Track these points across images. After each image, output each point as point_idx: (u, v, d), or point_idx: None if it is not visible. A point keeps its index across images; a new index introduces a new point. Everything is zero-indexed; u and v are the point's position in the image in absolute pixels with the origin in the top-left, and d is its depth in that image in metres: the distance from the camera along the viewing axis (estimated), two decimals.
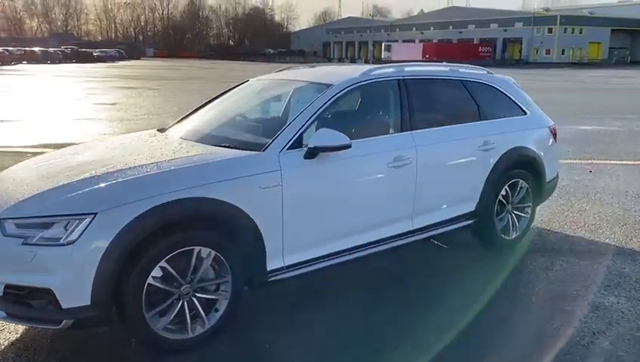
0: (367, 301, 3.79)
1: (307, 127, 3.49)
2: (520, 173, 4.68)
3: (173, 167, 3.12)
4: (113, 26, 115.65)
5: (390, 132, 4.01)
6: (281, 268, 3.39)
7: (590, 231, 5.22)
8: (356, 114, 4.30)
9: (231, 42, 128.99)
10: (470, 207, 4.40)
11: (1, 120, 12.55)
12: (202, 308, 3.08)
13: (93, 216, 2.72)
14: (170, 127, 4.30)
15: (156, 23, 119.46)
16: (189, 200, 2.94)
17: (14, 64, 46.88)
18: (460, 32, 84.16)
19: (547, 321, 3.47)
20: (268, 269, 3.32)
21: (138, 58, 79.26)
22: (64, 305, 2.70)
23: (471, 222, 4.42)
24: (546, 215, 5.66)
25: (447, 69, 4.63)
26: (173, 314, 2.98)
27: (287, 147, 3.38)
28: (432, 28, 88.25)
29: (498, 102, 4.75)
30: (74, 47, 65.16)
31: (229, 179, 3.10)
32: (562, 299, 3.79)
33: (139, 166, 3.13)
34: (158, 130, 4.22)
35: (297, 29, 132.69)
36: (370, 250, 3.83)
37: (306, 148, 3.37)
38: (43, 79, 29.80)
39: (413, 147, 3.91)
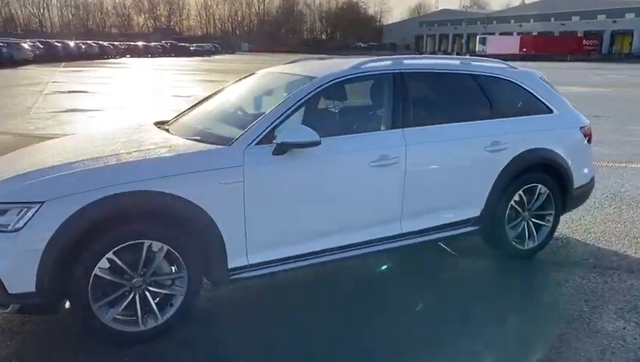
0: (335, 306, 3.62)
1: (279, 122, 3.35)
2: (539, 178, 4.26)
3: (129, 160, 3.13)
4: (212, 21, 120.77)
5: (379, 129, 3.78)
6: (245, 267, 3.30)
7: (629, 246, 4.66)
8: (342, 109, 4.08)
9: (323, 36, 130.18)
10: (474, 212, 4.06)
11: (86, 109, 13.43)
12: (156, 302, 3.08)
13: (40, 204, 2.77)
14: (172, 120, 4.33)
15: (252, 18, 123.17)
16: (138, 193, 2.92)
17: (118, 57, 50.19)
18: (563, 24, 79.11)
19: (526, 346, 3.13)
20: (230, 267, 3.24)
21: (232, 52, 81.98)
22: (10, 290, 2.78)
23: (475, 228, 4.09)
24: (586, 224, 5.14)
25: (458, 62, 4.28)
26: (123, 306, 2.99)
27: (255, 142, 3.27)
28: (531, 20, 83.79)
29: (517, 99, 4.35)
30: (173, 41, 68.68)
31: (183, 173, 3.05)
32: (558, 320, 3.39)
33: (100, 158, 3.16)
34: (157, 123, 4.25)
35: (390, 22, 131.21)
36: (352, 252, 3.64)
37: (274, 144, 3.25)
38: (136, 72, 31.61)
39: (403, 145, 3.66)
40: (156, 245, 3.00)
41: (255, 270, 3.34)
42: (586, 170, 4.61)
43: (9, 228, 2.76)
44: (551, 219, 4.39)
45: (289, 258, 3.43)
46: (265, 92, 4.34)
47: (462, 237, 4.10)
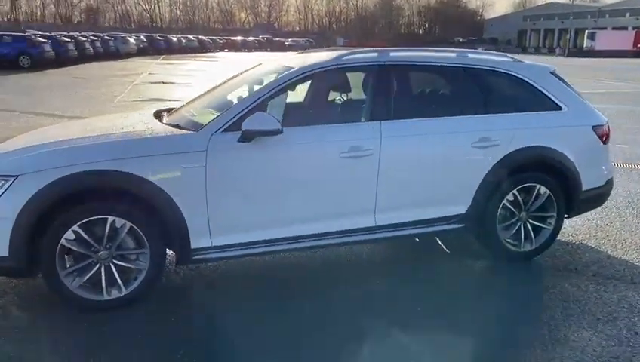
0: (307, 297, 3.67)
1: (248, 111, 3.46)
2: (537, 177, 4.04)
3: (100, 141, 3.39)
4: (310, 16, 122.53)
5: (356, 120, 3.78)
6: (209, 248, 3.45)
7: (625, 253, 4.31)
8: (318, 99, 4.10)
9: (421, 31, 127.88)
10: (459, 209, 3.93)
11: (166, 99, 14.29)
12: (120, 274, 3.31)
13: (15, 178, 3.10)
14: (177, 108, 4.57)
15: (350, 13, 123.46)
16: (102, 172, 3.17)
17: (216, 51, 52.51)
18: None
19: (474, 344, 3.02)
20: (193, 247, 3.41)
21: (327, 47, 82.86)
22: None
23: (460, 226, 3.96)
24: (609, 230, 4.79)
25: (454, 55, 4.14)
26: (88, 276, 3.25)
27: (222, 129, 3.41)
28: None
29: (519, 94, 4.14)
30: (269, 36, 70.61)
31: (145, 156, 3.25)
32: (523, 324, 3.24)
33: (78, 139, 3.46)
34: (161, 110, 4.48)
35: (492, 16, 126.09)
36: (322, 241, 3.69)
37: (239, 132, 3.37)
38: (226, 65, 32.87)
39: (378, 138, 3.63)
40: (119, 221, 3.23)
41: (219, 252, 3.49)
42: (598, 172, 4.30)
43: None
44: (552, 221, 4.15)
45: (255, 243, 3.54)
46: (258, 82, 4.45)
47: (446, 235, 4.01)
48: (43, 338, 3.04)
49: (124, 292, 3.33)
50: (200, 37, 53.33)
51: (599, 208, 5.25)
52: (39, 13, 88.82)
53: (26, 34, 26.80)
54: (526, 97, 4.13)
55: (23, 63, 23.75)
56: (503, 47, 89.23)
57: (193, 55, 42.60)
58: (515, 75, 4.12)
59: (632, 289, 3.70)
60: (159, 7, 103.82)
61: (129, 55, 36.17)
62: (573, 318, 3.30)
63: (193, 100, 4.46)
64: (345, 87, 4.05)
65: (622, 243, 4.55)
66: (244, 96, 3.77)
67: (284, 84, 3.62)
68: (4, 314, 3.28)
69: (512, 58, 4.31)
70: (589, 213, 5.17)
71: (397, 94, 3.83)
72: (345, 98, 4.08)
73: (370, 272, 4.02)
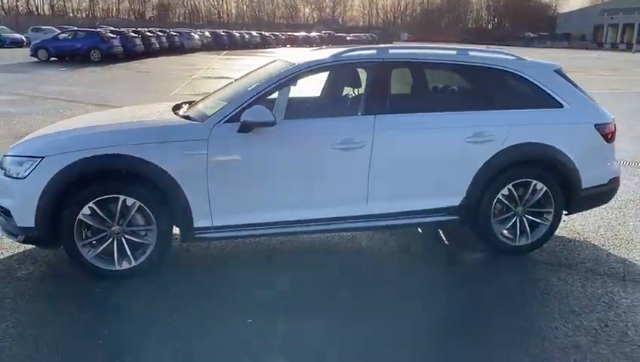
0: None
1: (249, 104, 3.76)
2: (533, 173, 4.12)
3: (116, 129, 3.81)
4: (375, 11, 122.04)
5: (352, 114, 4.00)
6: (209, 228, 3.80)
7: (628, 252, 4.30)
8: (318, 94, 4.33)
9: (490, 26, 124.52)
10: (452, 201, 4.08)
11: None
12: (130, 248, 3.72)
13: (41, 158, 3.56)
14: (197, 101, 4.94)
15: (415, 8, 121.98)
16: (115, 156, 3.57)
17: (276, 47, 53.41)
18: None
19: (440, 327, 3.20)
20: (195, 226, 3.77)
21: (390, 42, 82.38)
22: (18, 223, 3.62)
23: (453, 218, 4.11)
24: (618, 229, 4.78)
25: (454, 52, 4.27)
26: (102, 248, 3.68)
27: (224, 120, 3.74)
28: None
29: (519, 91, 4.22)
30: (331, 32, 70.95)
31: (154, 142, 3.63)
32: (492, 310, 3.38)
33: (99, 126, 3.89)
34: (186, 103, 4.86)
35: (566, 10, 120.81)
36: (317, 226, 3.96)
37: (239, 123, 3.69)
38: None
39: (371, 131, 3.85)
40: (130, 200, 3.63)
41: (220, 232, 3.83)
42: (600, 170, 4.32)
43: (19, 175, 3.59)
44: (549, 217, 4.22)
45: (253, 225, 3.86)
46: (267, 77, 4.72)
47: (438, 226, 4.16)
48: (63, 299, 3.48)
49: (133, 263, 3.73)
50: (263, 33, 54.40)
51: (617, 207, 5.24)
52: (114, 9, 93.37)
53: (98, 30, 28.45)
54: (526, 95, 4.21)
55: (93, 57, 25.29)
56: (577, 44, 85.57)
57: (254, 51, 43.53)
58: (516, 72, 4.21)
59: (619, 286, 3.74)
60: (226, 3, 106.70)
61: (193, 50, 37.50)
62: (548, 309, 3.41)
63: (211, 94, 4.82)
64: (343, 83, 4.28)
65: (629, 243, 4.54)
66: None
67: (282, 80, 3.90)
68: (33, 279, 3.76)
69: (515, 56, 4.38)
70: (604, 211, 5.18)
71: (393, 90, 4.02)
72: (343, 93, 4.31)
73: (367, 258, 4.24)
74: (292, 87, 4.03)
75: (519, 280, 3.88)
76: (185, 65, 25.17)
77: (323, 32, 69.78)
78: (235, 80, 4.94)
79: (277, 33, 58.46)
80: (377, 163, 3.87)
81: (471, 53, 4.30)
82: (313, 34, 66.08)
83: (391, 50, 4.16)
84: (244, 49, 45.22)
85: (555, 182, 4.15)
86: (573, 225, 4.90)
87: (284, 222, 3.89)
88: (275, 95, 3.99)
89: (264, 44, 51.47)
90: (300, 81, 4.03)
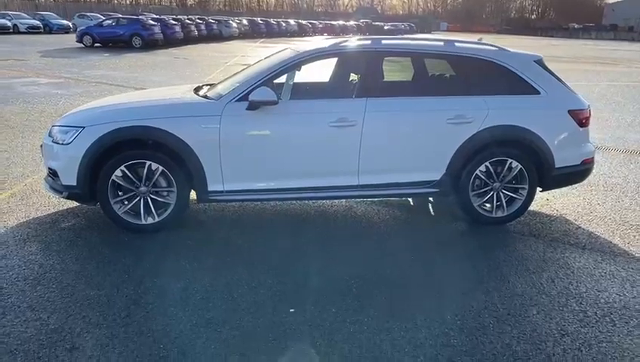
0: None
1: (257, 85, 4.38)
2: (508, 152, 4.61)
3: (144, 105, 4.50)
4: (414, 0, 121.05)
5: (346, 97, 4.58)
6: (221, 191, 4.45)
7: (611, 231, 4.74)
8: (319, 78, 4.90)
9: (533, 16, 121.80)
10: (433, 176, 4.62)
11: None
12: (154, 206, 4.41)
13: (82, 128, 4.27)
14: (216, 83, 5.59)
15: None
16: (143, 127, 4.25)
17: (313, 36, 53.90)
18: None
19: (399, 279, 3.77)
20: (209, 190, 4.43)
21: (429, 32, 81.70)
22: (63, 182, 4.35)
23: (434, 191, 4.65)
24: (594, 207, 5.23)
25: (441, 43, 4.79)
26: (131, 205, 4.38)
27: (235, 99, 4.38)
28: None
29: (499, 79, 4.69)
30: (369, 20, 70.95)
31: (175, 117, 4.30)
32: (449, 265, 3.94)
33: (130, 102, 4.59)
34: (207, 85, 5.53)
35: (614, 0, 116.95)
36: (315, 193, 4.58)
37: (247, 102, 4.32)
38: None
39: (362, 112, 4.41)
40: (154, 166, 4.31)
41: (230, 195, 4.48)
42: (573, 152, 4.76)
43: (65, 142, 4.31)
44: (524, 193, 4.71)
45: (258, 190, 4.49)
46: (278, 62, 5.34)
47: (421, 196, 4.69)
48: (98, 244, 4.19)
49: (156, 219, 4.42)
50: (300, 21, 55.02)
51: (602, 189, 5.69)
52: None
53: (140, 17, 29.57)
54: (506, 82, 4.69)
55: (135, 44, 26.42)
56: (623, 35, 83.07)
57: (290, 39, 44.20)
58: (497, 62, 4.69)
59: (576, 253, 4.23)
60: None
61: (231, 38, 38.45)
62: (505, 269, 3.93)
63: (228, 77, 5.45)
64: (341, 69, 4.84)
65: (601, 220, 4.98)
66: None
67: (288, 65, 4.51)
68: (74, 229, 4.50)
69: (497, 47, 4.85)
70: (588, 192, 5.63)
71: (384, 76, 4.57)
72: (341, 77, 4.88)
73: (363, 226, 4.84)
74: (307, 71, 4.62)
75: (488, 245, 4.39)
76: (221, 53, 26.02)
77: (361, 20, 69.81)
78: (250, 65, 5.56)
79: (314, 22, 58.97)
80: (367, 139, 4.44)
81: (457, 44, 4.80)
82: (350, 23, 66.19)
83: (384, 41, 4.71)
84: (281, 37, 45.93)
85: (529, 161, 4.63)
86: (554, 204, 5.37)
87: (285, 188, 4.51)
88: (283, 78, 4.60)
89: (301, 32, 52.04)
90: (307, 67, 4.62)
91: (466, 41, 4.91)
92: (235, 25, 40.43)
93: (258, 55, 25.10)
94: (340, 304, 3.37)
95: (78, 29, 29.40)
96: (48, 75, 14.97)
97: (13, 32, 34.91)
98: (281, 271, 3.81)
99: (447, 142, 4.56)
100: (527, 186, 4.70)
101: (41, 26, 37.48)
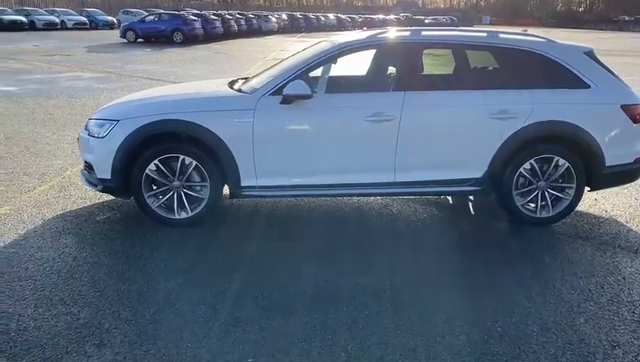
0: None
1: (292, 79, 4.27)
2: (554, 149, 4.37)
3: (178, 99, 4.45)
4: None
5: (384, 90, 4.42)
6: (254, 187, 4.37)
7: None
8: (355, 71, 4.74)
9: (581, 8, 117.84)
10: (475, 173, 4.41)
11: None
12: (187, 200, 4.37)
13: (116, 122, 4.26)
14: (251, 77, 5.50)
15: None
16: (176, 121, 4.20)
17: (349, 30, 53.56)
18: None
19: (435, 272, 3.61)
20: (242, 185, 4.36)
21: (470, 25, 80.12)
22: (98, 176, 4.36)
23: (476, 189, 4.45)
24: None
25: (484, 34, 4.57)
26: (164, 199, 4.35)
27: (269, 93, 4.28)
28: None
29: (547, 72, 4.44)
30: (409, 14, 70.12)
31: (207, 110, 4.24)
32: (489, 263, 3.74)
33: (164, 96, 4.56)
34: (242, 79, 5.45)
35: None
36: (348, 190, 4.45)
37: (281, 96, 4.22)
38: None
39: (400, 106, 4.25)
40: (188, 160, 4.26)
41: (262, 191, 4.40)
42: (626, 149, 4.48)
43: (100, 135, 4.31)
44: (571, 192, 4.45)
45: (291, 186, 4.40)
46: (313, 55, 5.21)
47: (462, 195, 4.50)
48: (132, 237, 4.18)
49: (190, 214, 4.38)
50: (339, 15, 54.78)
51: None
52: None
53: (181, 13, 29.96)
54: (553, 75, 4.43)
55: (176, 39, 26.79)
56: None
57: (329, 33, 43.96)
58: (545, 54, 4.44)
59: (628, 258, 3.96)
60: None
61: (270, 33, 38.58)
62: (550, 273, 3.71)
63: (263, 71, 5.37)
64: (378, 61, 4.68)
65: None
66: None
67: (323, 58, 4.39)
68: (109, 222, 4.50)
69: (545, 39, 4.60)
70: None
71: (423, 69, 4.39)
72: (378, 70, 4.72)
73: (396, 221, 4.68)
74: (344, 64, 4.49)
75: (532, 247, 4.17)
76: (260, 47, 26.11)
77: (401, 14, 69.08)
78: (286, 58, 5.45)
79: (353, 16, 58.64)
80: (405, 135, 4.27)
81: (501, 35, 4.57)
82: (390, 16, 65.63)
83: (424, 32, 4.52)
84: (320, 31, 45.79)
85: (577, 158, 4.38)
86: (604, 204, 5.08)
87: (319, 185, 4.39)
88: (319, 71, 4.48)
89: (340, 26, 51.83)
90: (344, 59, 4.49)
91: (511, 33, 4.68)
92: (274, 20, 40.54)
93: (296, 49, 25.03)
94: (373, 306, 3.24)
95: (121, 25, 30.02)
96: (92, 69, 15.30)
97: (61, 29, 35.99)
98: (312, 271, 3.70)
99: (490, 138, 4.35)
100: (574, 185, 4.44)
101: (88, 22, 38.55)
